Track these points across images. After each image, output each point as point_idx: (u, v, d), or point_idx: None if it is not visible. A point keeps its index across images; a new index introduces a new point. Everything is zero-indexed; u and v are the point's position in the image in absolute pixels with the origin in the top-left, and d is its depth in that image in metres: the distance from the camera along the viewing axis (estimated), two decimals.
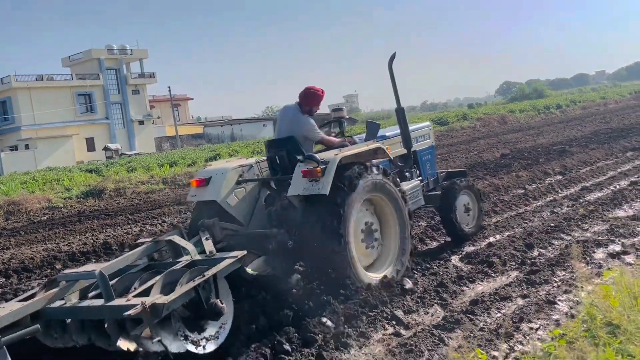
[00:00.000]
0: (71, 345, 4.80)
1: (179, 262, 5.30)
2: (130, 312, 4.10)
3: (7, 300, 7.17)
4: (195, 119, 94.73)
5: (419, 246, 8.13)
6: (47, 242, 12.44)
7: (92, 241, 11.68)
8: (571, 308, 5.22)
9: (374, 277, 6.06)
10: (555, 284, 5.92)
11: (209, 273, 4.76)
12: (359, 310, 5.38)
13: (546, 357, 3.52)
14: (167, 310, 4.25)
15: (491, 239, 8.06)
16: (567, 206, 9.86)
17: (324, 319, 5.20)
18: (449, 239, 8.25)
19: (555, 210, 9.62)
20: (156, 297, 4.35)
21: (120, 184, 22.77)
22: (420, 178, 8.05)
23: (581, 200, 10.13)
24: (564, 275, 6.18)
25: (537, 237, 7.69)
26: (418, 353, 4.53)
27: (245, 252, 5.27)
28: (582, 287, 5.65)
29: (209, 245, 5.65)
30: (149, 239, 5.86)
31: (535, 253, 7.13)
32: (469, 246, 7.76)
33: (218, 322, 4.74)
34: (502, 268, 6.61)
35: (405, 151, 7.70)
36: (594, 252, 6.85)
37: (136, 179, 24.70)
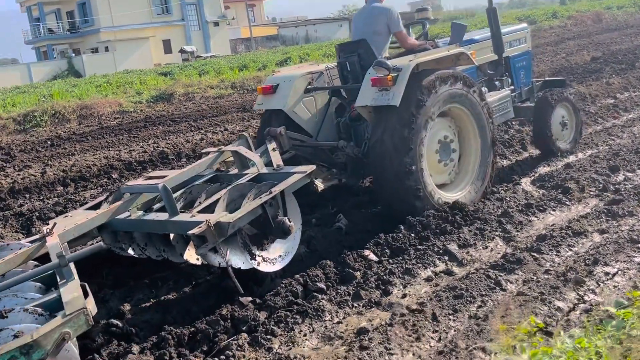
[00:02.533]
0: (140, 256, 4.80)
1: (246, 174, 5.07)
2: (194, 230, 3.92)
3: (58, 213, 7.13)
4: (271, 19, 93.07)
5: None
6: (110, 149, 12.43)
7: (152, 149, 11.53)
8: None
9: (447, 196, 5.55)
10: None
11: (276, 189, 4.43)
12: (407, 242, 4.80)
13: (620, 325, 2.84)
14: (232, 228, 4.05)
15: (571, 158, 7.14)
16: None
17: (367, 252, 4.68)
18: (521, 157, 7.41)
19: None
20: (221, 215, 4.14)
21: (190, 89, 22.57)
22: (512, 87, 7.30)
23: None
24: None
25: (625, 158, 6.72)
26: (469, 299, 3.93)
27: (314, 166, 4.87)
28: None
29: (276, 157, 5.35)
30: (215, 149, 5.59)
31: (621, 177, 6.21)
32: (544, 166, 6.90)
33: (286, 241, 4.46)
34: (579, 195, 5.78)
35: (496, 57, 6.94)
36: None
37: (206, 83, 24.45)
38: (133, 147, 12.28)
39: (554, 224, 5.18)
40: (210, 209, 4.42)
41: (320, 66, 6.66)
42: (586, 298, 3.84)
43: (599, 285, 3.99)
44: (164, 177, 5.01)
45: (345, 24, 69.41)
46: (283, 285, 4.25)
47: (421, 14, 6.67)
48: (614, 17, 38.45)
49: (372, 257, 4.64)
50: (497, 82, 7.13)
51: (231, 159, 5.59)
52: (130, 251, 4.86)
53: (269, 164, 5.28)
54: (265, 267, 4.28)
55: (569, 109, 7.32)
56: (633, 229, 4.79)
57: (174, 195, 4.62)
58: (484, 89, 6.84)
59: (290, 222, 4.36)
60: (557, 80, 8.13)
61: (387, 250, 4.73)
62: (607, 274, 4.11)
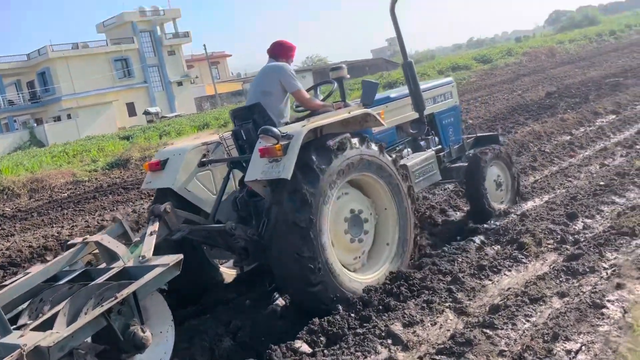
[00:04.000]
0: None
1: (112, 269, 4.21)
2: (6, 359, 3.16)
3: None
4: (236, 75, 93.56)
5: (439, 218, 6.86)
6: (53, 225, 11.73)
7: (96, 223, 10.85)
8: (626, 313, 3.92)
9: (363, 280, 4.86)
10: (603, 273, 4.59)
11: (124, 292, 3.61)
12: (344, 326, 4.22)
13: None
14: (60, 351, 3.26)
15: (527, 207, 6.69)
16: (621, 155, 8.34)
17: (298, 343, 4.08)
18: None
19: (606, 162, 8.13)
20: (40, 337, 3.32)
21: (147, 152, 22.02)
22: (440, 146, 6.70)
23: (637, 147, 8.56)
24: (615, 258, 4.83)
25: (582, 203, 6.28)
26: None
27: (180, 256, 4.00)
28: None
29: (148, 244, 4.44)
30: (80, 239, 4.72)
31: (579, 226, 5.75)
32: (498, 218, 6.40)
33: (150, 354, 3.71)
34: (536, 250, 5.28)
35: (417, 115, 6.35)
36: None
37: (164, 144, 23.96)
38: (77, 222, 11.59)
39: (509, 288, 4.65)
40: (50, 323, 3.60)
41: (216, 136, 6.04)
42: None
43: None
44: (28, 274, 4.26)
45: (308, 74, 69.97)
46: None
47: (335, 73, 5.92)
48: (566, 51, 39.26)
49: (305, 348, 4.04)
50: (422, 142, 6.56)
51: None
52: None
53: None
54: None
55: (503, 168, 6.73)
56: (595, 289, 4.28)
57: (26, 304, 3.96)
58: (407, 150, 6.33)
59: (144, 332, 3.64)
60: (490, 135, 7.60)
61: (322, 338, 4.14)
62: (569, 352, 3.57)
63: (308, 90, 5.96)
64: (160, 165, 5.44)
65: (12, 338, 3.48)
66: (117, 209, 12.57)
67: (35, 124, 54.42)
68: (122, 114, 58.46)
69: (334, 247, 4.72)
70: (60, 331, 3.40)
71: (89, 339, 3.57)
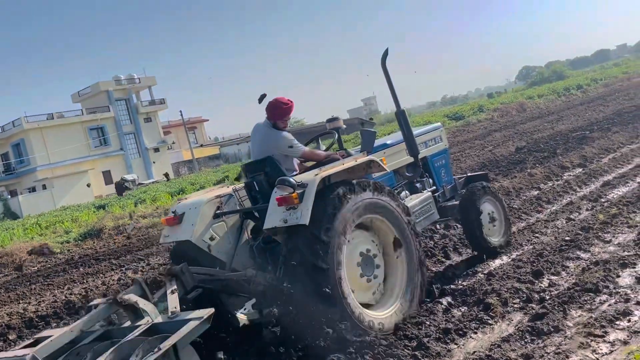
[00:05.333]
0: None
1: (139, 326, 4.35)
2: None
3: None
4: (213, 139, 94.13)
5: None
6: (19, 301, 11.35)
7: (64, 297, 10.56)
8: None
9: (373, 315, 5.08)
10: (568, 332, 4.52)
11: (166, 344, 3.80)
12: None
13: None
14: None
15: (494, 265, 6.66)
16: (587, 209, 8.40)
17: None
18: (443, 267, 6.90)
19: (572, 216, 8.18)
20: None
21: (120, 221, 21.76)
22: (434, 187, 7.05)
23: (602, 200, 8.65)
24: (579, 316, 4.77)
25: (548, 260, 6.26)
26: None
27: (212, 310, 4.25)
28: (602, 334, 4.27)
29: (173, 302, 4.65)
30: (104, 300, 4.83)
31: (545, 283, 5.71)
32: (465, 277, 6.36)
33: None
34: (502, 310, 5.21)
35: (412, 159, 6.73)
36: (619, 276, 5.41)
37: (139, 212, 23.71)
38: (44, 298, 11.25)
39: (474, 352, 4.54)
40: None
41: (229, 188, 6.27)
42: None
43: None
44: (47, 338, 4.31)
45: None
46: None
47: (332, 124, 6.41)
48: (536, 106, 40.24)
49: None
50: (417, 185, 6.92)
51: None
52: None
53: (166, 310, 4.64)
54: None
55: (495, 203, 7.09)
56: (559, 350, 4.21)
57: None
58: (404, 192, 6.66)
59: None
60: (480, 175, 7.94)
61: None
62: None
63: (310, 141, 6.59)
64: (178, 219, 5.70)
65: None
66: (86, 281, 12.28)
67: (10, 196, 53.81)
68: (98, 182, 58.14)
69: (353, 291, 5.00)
70: None
71: None
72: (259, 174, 5.68)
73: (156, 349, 3.76)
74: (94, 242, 19.55)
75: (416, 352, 4.58)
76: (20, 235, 22.73)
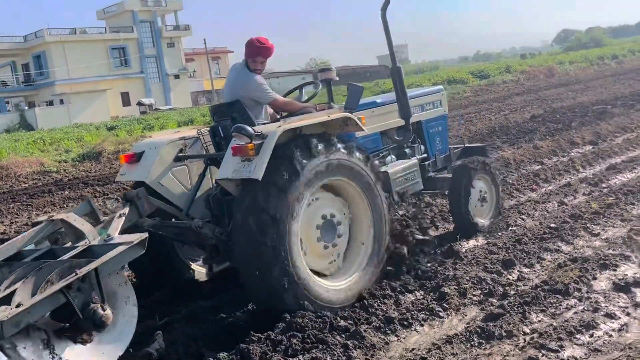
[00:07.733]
0: None
1: (76, 247, 4.22)
2: None
3: None
4: None
5: None
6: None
7: (35, 220, 10.27)
8: None
9: (329, 285, 4.77)
10: (520, 341, 4.00)
11: (85, 269, 3.64)
12: None
13: None
14: (14, 327, 3.27)
15: (466, 246, 6.11)
16: (583, 194, 7.76)
17: None
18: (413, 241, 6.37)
19: (565, 200, 7.55)
20: None
21: (121, 146, 21.39)
22: (425, 155, 6.57)
23: (603, 186, 7.99)
24: (539, 322, 4.24)
25: (525, 249, 5.68)
26: None
27: (145, 234, 4.09)
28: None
29: (115, 224, 4.48)
30: (45, 217, 4.66)
31: (514, 276, 5.16)
32: (432, 258, 5.75)
33: (113, 333, 3.76)
34: (458, 302, 4.69)
35: (402, 122, 6.14)
36: (595, 279, 4.84)
37: (142, 137, 23.33)
38: (18, 218, 11.00)
39: (413, 349, 4.05)
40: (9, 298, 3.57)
41: (194, 131, 5.85)
42: None
43: None
44: None
45: (308, 76, 69.47)
46: None
47: (324, 74, 5.86)
48: (566, 72, 38.77)
49: None
50: (407, 150, 6.46)
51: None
52: None
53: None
54: None
55: (489, 182, 6.57)
56: None
57: None
58: (390, 157, 6.16)
59: (104, 309, 3.63)
60: (477, 147, 7.41)
61: None
62: None
63: (293, 90, 6.08)
64: (136, 158, 5.39)
65: None
66: (67, 205, 11.99)
67: (27, 107, 53.82)
68: (116, 103, 57.86)
69: (307, 255, 4.67)
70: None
71: (47, 316, 3.57)
72: (226, 118, 5.30)
73: (73, 273, 3.60)
74: (91, 165, 19.28)
75: (348, 342, 4.09)
76: (21, 150, 22.50)
